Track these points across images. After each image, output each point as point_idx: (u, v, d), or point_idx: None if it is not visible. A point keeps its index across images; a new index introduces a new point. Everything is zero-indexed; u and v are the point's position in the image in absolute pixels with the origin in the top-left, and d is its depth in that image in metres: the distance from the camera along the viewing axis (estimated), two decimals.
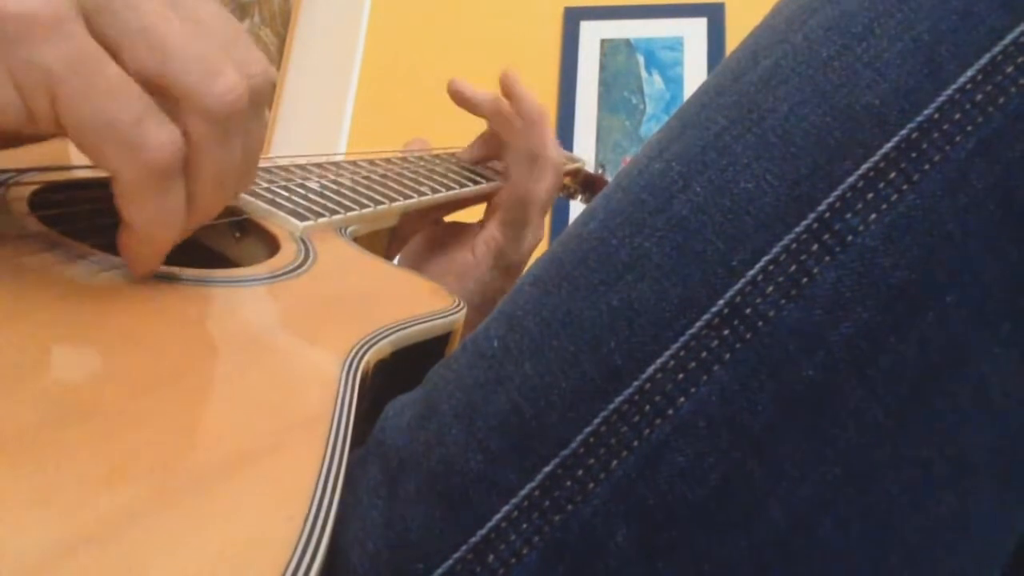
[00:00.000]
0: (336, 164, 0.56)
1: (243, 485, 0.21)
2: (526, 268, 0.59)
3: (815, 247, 0.26)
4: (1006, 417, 0.26)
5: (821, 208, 0.26)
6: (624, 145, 1.50)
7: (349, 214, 0.47)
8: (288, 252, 0.39)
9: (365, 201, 0.50)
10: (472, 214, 0.65)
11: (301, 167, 0.53)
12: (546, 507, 0.26)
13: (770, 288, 0.26)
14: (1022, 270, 0.26)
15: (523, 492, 0.26)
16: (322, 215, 0.45)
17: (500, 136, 0.63)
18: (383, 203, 0.51)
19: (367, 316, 0.35)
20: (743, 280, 0.26)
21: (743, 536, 0.25)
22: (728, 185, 0.27)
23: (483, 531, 0.26)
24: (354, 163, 0.58)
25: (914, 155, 0.26)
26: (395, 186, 0.55)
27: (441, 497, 0.27)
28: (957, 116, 0.26)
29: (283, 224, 0.43)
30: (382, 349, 0.32)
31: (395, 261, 0.62)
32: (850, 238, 0.26)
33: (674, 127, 0.31)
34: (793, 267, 0.26)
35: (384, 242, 0.60)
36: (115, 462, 0.20)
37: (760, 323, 0.26)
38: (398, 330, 0.34)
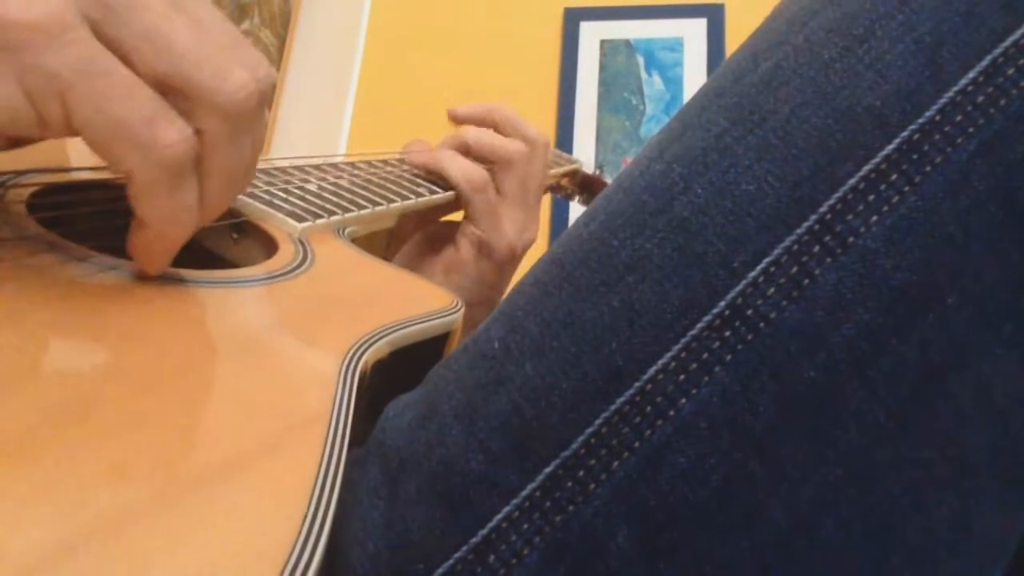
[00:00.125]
0: (334, 165, 0.56)
1: (242, 485, 0.21)
2: (524, 267, 0.59)
3: (816, 249, 0.26)
4: (1007, 418, 0.26)
5: (822, 210, 0.26)
6: (624, 146, 1.50)
7: (347, 215, 0.47)
8: (286, 253, 0.39)
9: (363, 202, 0.50)
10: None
11: (299, 168, 0.53)
12: (547, 508, 0.26)
13: (771, 289, 0.26)
14: (1023, 271, 0.26)
15: (524, 493, 0.26)
16: (320, 216, 0.45)
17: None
18: (381, 204, 0.51)
19: (365, 316, 0.35)
20: (744, 281, 0.26)
21: (744, 537, 0.25)
22: (729, 186, 0.27)
23: (484, 531, 0.26)
24: (352, 164, 0.58)
25: (915, 157, 0.26)
26: (393, 187, 0.55)
27: (442, 497, 0.27)
28: (959, 118, 0.26)
29: (281, 225, 0.43)
30: (380, 349, 0.32)
31: (392, 262, 0.62)
32: (851, 240, 0.26)
33: (675, 128, 0.31)
34: (794, 268, 0.26)
35: (382, 243, 0.60)
36: (115, 462, 0.20)
37: (761, 324, 0.26)
38: (396, 330, 0.34)
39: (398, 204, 0.52)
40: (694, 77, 1.51)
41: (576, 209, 1.32)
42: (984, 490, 0.26)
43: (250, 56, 0.30)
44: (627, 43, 1.57)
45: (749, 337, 0.26)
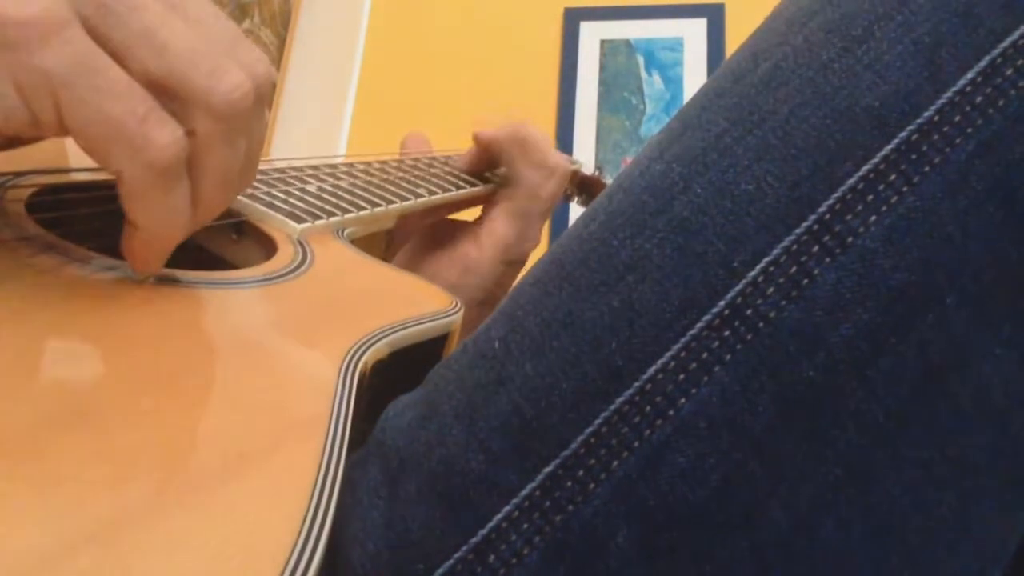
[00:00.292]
0: (334, 166, 0.56)
1: (242, 486, 0.21)
2: (525, 269, 0.59)
3: (815, 248, 0.26)
4: (1007, 418, 0.26)
5: (821, 210, 0.26)
6: (624, 146, 1.50)
7: (347, 216, 0.47)
8: (286, 254, 0.39)
9: (362, 203, 0.50)
10: (468, 216, 0.65)
11: (299, 169, 0.53)
12: (547, 507, 0.26)
13: (771, 289, 0.26)
14: (1022, 271, 0.26)
15: (524, 492, 0.26)
16: (320, 217, 0.45)
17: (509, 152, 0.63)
18: (380, 205, 0.51)
19: (365, 317, 0.35)
20: (744, 281, 0.26)
21: (744, 537, 0.25)
22: (729, 187, 0.27)
23: (484, 531, 0.26)
24: (352, 165, 0.58)
25: (914, 157, 0.26)
26: (392, 188, 0.55)
27: (442, 497, 0.27)
28: (957, 118, 0.26)
29: (281, 226, 0.43)
30: (380, 350, 0.32)
31: (393, 262, 0.62)
32: (850, 240, 0.26)
33: (675, 129, 0.31)
34: (793, 268, 0.26)
35: (382, 244, 0.60)
36: (114, 463, 0.20)
37: (761, 324, 0.26)
38: (396, 331, 0.34)
39: (397, 205, 0.52)
40: (694, 77, 1.51)
41: (576, 209, 1.32)
42: (984, 490, 0.26)
43: (249, 55, 0.30)
44: (627, 43, 1.57)
45: (748, 337, 0.26)
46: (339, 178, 0.54)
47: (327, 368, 0.29)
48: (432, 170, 0.62)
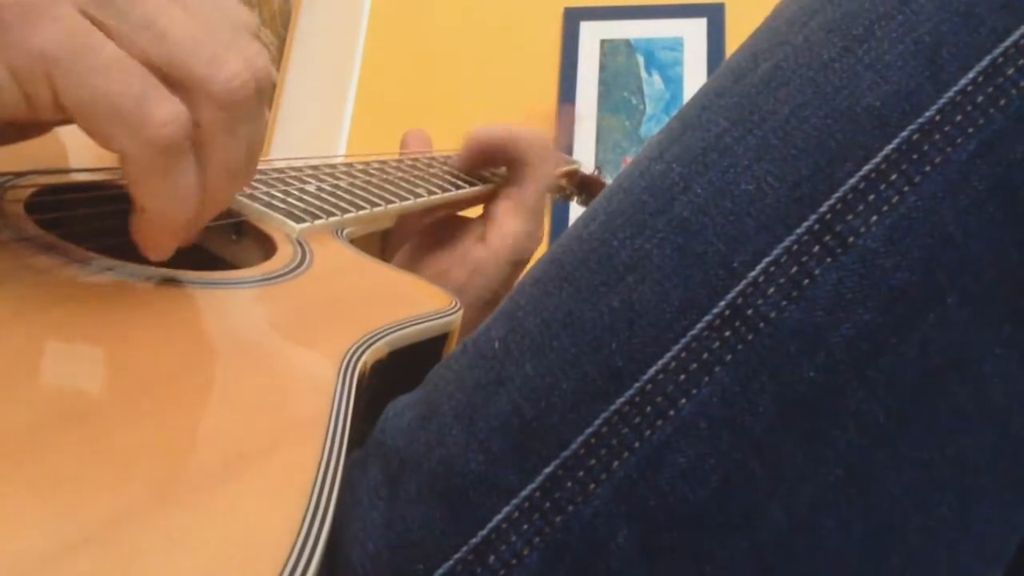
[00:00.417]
0: (333, 166, 0.56)
1: (241, 485, 0.21)
2: (526, 269, 0.59)
3: (816, 249, 0.26)
4: (1007, 418, 0.26)
5: (822, 210, 0.26)
6: (624, 146, 1.50)
7: (346, 216, 0.47)
8: (285, 254, 0.39)
9: (362, 203, 0.50)
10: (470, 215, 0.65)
11: (298, 169, 0.53)
12: (547, 508, 0.26)
13: (771, 289, 0.26)
14: (1023, 271, 0.26)
15: (524, 493, 0.26)
16: (319, 217, 0.45)
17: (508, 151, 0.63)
18: (379, 205, 0.51)
19: (364, 317, 0.35)
20: (744, 281, 0.26)
21: (744, 537, 0.25)
22: (729, 187, 0.27)
23: (484, 532, 0.26)
24: (351, 165, 0.58)
25: (915, 157, 0.26)
26: (392, 188, 0.55)
27: (442, 498, 0.27)
28: (958, 118, 0.26)
29: (280, 226, 0.43)
30: (379, 350, 0.32)
31: (392, 262, 0.62)
32: (851, 240, 0.26)
33: (675, 128, 0.31)
34: (794, 268, 0.26)
35: (381, 244, 0.60)
36: (114, 463, 0.20)
37: (761, 324, 0.26)
38: (395, 331, 0.34)
39: (396, 205, 0.52)
40: (694, 77, 1.51)
41: (576, 209, 1.32)
42: (984, 490, 0.26)
43: (249, 48, 0.29)
44: (627, 43, 1.57)
45: (749, 337, 0.26)
46: (338, 178, 0.54)
47: (326, 368, 0.29)
48: (431, 170, 0.62)
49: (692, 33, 1.54)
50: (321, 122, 1.61)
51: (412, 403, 0.30)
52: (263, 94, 0.31)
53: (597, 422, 0.26)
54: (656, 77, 1.53)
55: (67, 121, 0.28)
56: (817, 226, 0.26)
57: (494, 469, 0.27)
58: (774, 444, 0.25)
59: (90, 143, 0.40)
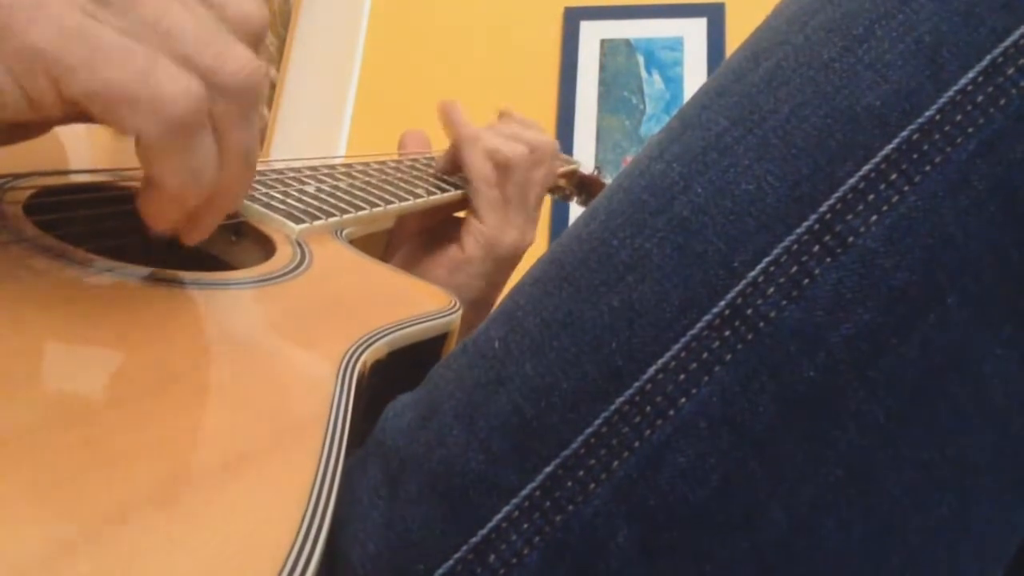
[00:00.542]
0: (332, 167, 0.56)
1: (240, 486, 0.21)
2: (523, 267, 0.59)
3: (816, 248, 0.26)
4: (1007, 418, 0.26)
5: (822, 209, 0.26)
6: (624, 145, 1.50)
7: (345, 217, 0.47)
8: (284, 255, 0.39)
9: (361, 204, 0.50)
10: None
11: (297, 170, 0.53)
12: (547, 507, 0.26)
13: (771, 289, 0.26)
14: (1023, 271, 0.26)
15: (524, 492, 0.26)
16: (318, 218, 0.45)
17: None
18: (379, 206, 0.51)
19: (363, 317, 0.35)
20: (744, 281, 0.26)
21: (744, 537, 0.25)
22: (729, 186, 0.27)
23: (484, 531, 0.26)
24: (350, 166, 0.58)
25: (915, 156, 0.26)
26: (391, 189, 0.55)
27: (442, 497, 0.27)
28: (958, 117, 0.26)
29: (279, 227, 0.43)
30: (378, 350, 0.32)
31: (391, 263, 0.62)
32: (851, 239, 0.26)
33: (675, 128, 0.31)
34: (794, 268, 0.26)
35: (381, 245, 0.60)
36: (113, 464, 0.20)
37: (761, 324, 0.26)
38: (394, 331, 0.34)
39: (395, 205, 0.52)
40: (694, 77, 1.51)
41: (576, 209, 1.32)
42: (984, 490, 0.26)
43: (246, 48, 0.29)
44: (627, 43, 1.57)
45: (749, 337, 0.26)
46: (338, 179, 0.54)
47: (325, 368, 0.29)
48: (430, 171, 0.62)
49: (692, 33, 1.54)
50: (321, 122, 1.61)
51: (412, 403, 0.30)
52: (263, 87, 0.31)
53: (597, 422, 0.26)
54: (656, 77, 1.53)
55: (71, 118, 0.28)
56: (817, 226, 0.26)
57: (494, 469, 0.27)
58: (774, 444, 0.25)
59: (89, 144, 0.40)
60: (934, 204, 0.25)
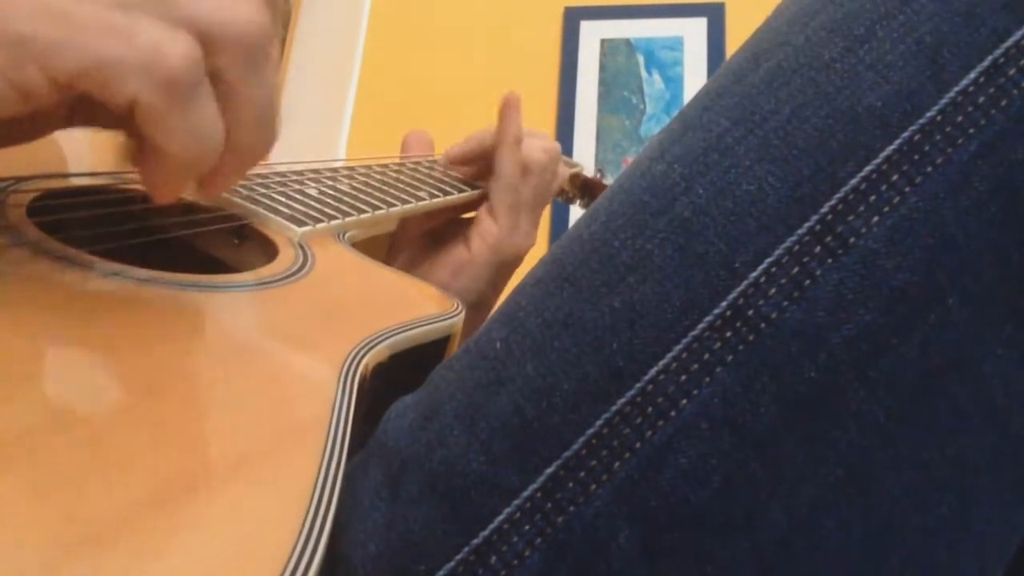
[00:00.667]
0: (335, 170, 0.56)
1: (241, 488, 0.21)
2: (523, 267, 0.59)
3: (817, 249, 0.26)
4: (1007, 418, 0.26)
5: (823, 210, 0.26)
6: (624, 145, 1.50)
7: (347, 219, 0.47)
8: (287, 257, 0.39)
9: (363, 206, 0.50)
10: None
11: (300, 173, 0.53)
12: (548, 508, 0.26)
13: (772, 290, 0.26)
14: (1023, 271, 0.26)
15: (525, 493, 0.26)
16: (321, 220, 0.45)
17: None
18: (381, 208, 0.51)
19: (365, 320, 0.35)
20: (745, 282, 0.26)
21: (745, 537, 0.25)
22: (730, 187, 0.27)
23: (485, 532, 0.26)
24: (352, 169, 0.58)
25: (916, 157, 0.26)
26: (394, 191, 0.55)
27: (443, 498, 0.27)
28: (959, 118, 0.26)
29: (282, 230, 0.43)
30: (380, 352, 0.32)
31: (394, 265, 0.62)
32: (852, 240, 0.26)
33: (676, 129, 0.31)
34: (795, 269, 0.26)
35: (383, 247, 0.60)
36: (113, 465, 0.20)
37: (762, 325, 0.26)
38: (396, 333, 0.34)
39: (398, 208, 0.52)
40: (694, 77, 1.51)
41: (576, 211, 1.32)
42: (984, 490, 0.26)
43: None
44: (627, 42, 1.57)
45: (750, 337, 0.26)
46: (340, 181, 0.54)
47: (327, 371, 0.29)
48: (433, 173, 0.62)
49: (692, 33, 1.54)
50: (321, 122, 1.61)
51: (414, 404, 0.30)
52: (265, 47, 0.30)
53: (598, 422, 0.26)
54: (656, 77, 1.53)
55: (72, 115, 0.28)
56: (818, 227, 0.26)
57: (495, 469, 0.27)
58: (775, 444, 0.25)
59: (90, 148, 0.40)
60: (935, 205, 0.25)
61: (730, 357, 0.26)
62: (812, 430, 0.25)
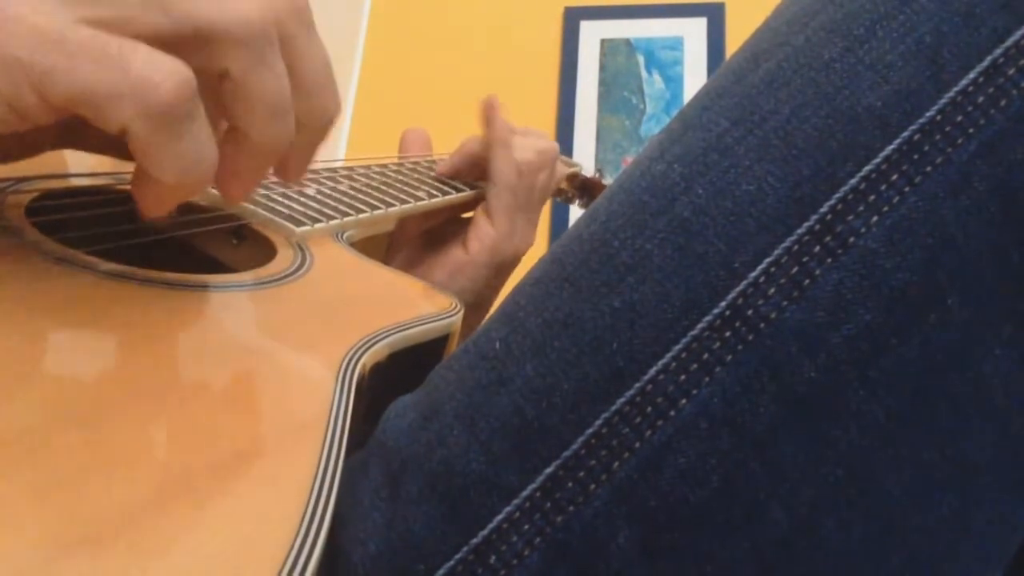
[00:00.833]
0: (333, 170, 0.56)
1: (240, 486, 0.21)
2: (522, 268, 0.59)
3: (817, 249, 0.26)
4: (1007, 418, 0.26)
5: (823, 210, 0.26)
6: (624, 145, 1.50)
7: (346, 219, 0.47)
8: (285, 257, 0.39)
9: (362, 206, 0.50)
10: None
11: None
12: (547, 508, 0.26)
13: (772, 290, 0.26)
14: (1023, 271, 0.26)
15: (524, 493, 0.26)
16: (319, 220, 0.45)
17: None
18: (380, 208, 0.51)
19: (363, 319, 0.35)
20: (745, 282, 0.26)
21: (745, 537, 0.25)
22: (730, 187, 0.27)
23: (484, 532, 0.26)
24: (351, 169, 0.58)
25: (916, 157, 0.26)
26: (392, 191, 0.55)
27: (443, 498, 0.27)
28: (959, 118, 0.26)
29: (280, 230, 0.43)
30: (379, 352, 0.32)
31: (393, 265, 0.62)
32: (852, 240, 0.26)
33: (675, 129, 0.31)
34: (795, 269, 0.26)
35: (382, 247, 0.60)
36: (112, 465, 0.20)
37: (762, 324, 0.26)
38: (395, 333, 0.34)
39: (397, 208, 0.52)
40: (694, 76, 1.51)
41: (576, 211, 1.32)
42: (984, 490, 0.26)
43: None
44: (627, 42, 1.57)
45: (750, 337, 0.26)
46: (338, 181, 0.54)
47: (325, 370, 0.29)
48: (432, 174, 0.62)
49: (692, 33, 1.54)
50: None
51: (413, 403, 0.30)
52: (302, 15, 0.29)
53: (598, 422, 0.26)
54: (656, 77, 1.53)
55: (66, 134, 0.28)
56: (818, 226, 0.26)
57: (495, 469, 0.27)
58: (775, 444, 0.25)
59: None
60: (935, 205, 0.25)
61: (729, 357, 0.26)
62: (812, 430, 0.25)
